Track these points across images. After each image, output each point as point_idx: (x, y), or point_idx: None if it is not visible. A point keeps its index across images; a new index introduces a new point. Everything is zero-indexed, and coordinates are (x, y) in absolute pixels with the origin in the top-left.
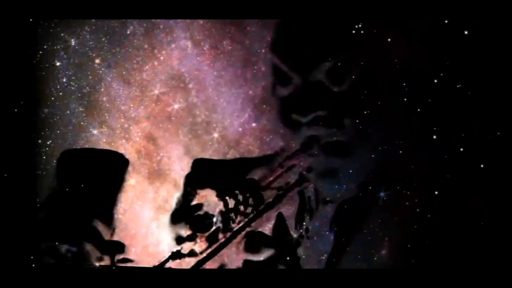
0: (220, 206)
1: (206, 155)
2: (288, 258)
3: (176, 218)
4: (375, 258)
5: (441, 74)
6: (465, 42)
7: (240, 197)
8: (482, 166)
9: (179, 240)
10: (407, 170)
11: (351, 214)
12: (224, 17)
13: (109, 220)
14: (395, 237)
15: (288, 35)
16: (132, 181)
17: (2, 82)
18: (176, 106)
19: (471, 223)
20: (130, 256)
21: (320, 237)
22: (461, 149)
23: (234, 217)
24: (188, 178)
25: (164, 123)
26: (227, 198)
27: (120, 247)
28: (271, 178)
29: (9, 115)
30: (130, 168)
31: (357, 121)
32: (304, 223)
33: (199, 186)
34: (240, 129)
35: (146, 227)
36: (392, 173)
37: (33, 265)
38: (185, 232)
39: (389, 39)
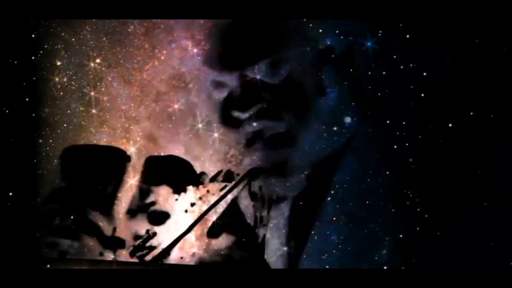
0: (176, 201)
1: (207, 155)
2: (248, 244)
3: (132, 214)
4: (375, 258)
5: (430, 71)
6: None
7: (195, 192)
8: (482, 165)
9: (136, 237)
10: (408, 170)
11: (305, 206)
12: (224, 17)
13: (110, 217)
14: (396, 237)
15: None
16: (133, 180)
17: (3, 82)
18: (176, 106)
19: (471, 223)
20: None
21: (275, 228)
22: (461, 149)
23: (190, 211)
24: (143, 176)
25: (165, 123)
26: (182, 193)
27: (121, 243)
28: (222, 173)
29: (10, 114)
30: (130, 168)
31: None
32: (257, 213)
33: (154, 183)
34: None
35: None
36: (392, 172)
37: (35, 260)
38: (142, 227)
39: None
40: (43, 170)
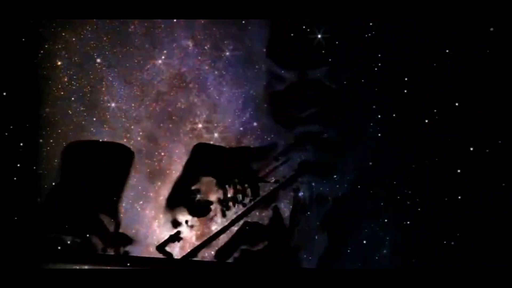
0: (219, 193)
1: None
2: (281, 251)
3: (174, 201)
4: (376, 258)
5: (441, 74)
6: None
7: (239, 187)
8: (482, 165)
9: (175, 223)
10: (407, 170)
11: (344, 213)
12: (225, 17)
13: (114, 213)
14: (396, 237)
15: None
16: (133, 180)
17: (4, 82)
18: (177, 106)
19: (471, 223)
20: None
21: (313, 233)
22: (461, 149)
23: (231, 206)
24: (190, 163)
25: (165, 123)
26: (226, 186)
27: (125, 239)
28: (267, 170)
29: (11, 114)
30: (131, 167)
31: (352, 118)
32: (298, 218)
33: (200, 172)
34: (241, 128)
35: (147, 226)
36: (392, 172)
37: (35, 260)
38: (182, 216)
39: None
40: (43, 170)
